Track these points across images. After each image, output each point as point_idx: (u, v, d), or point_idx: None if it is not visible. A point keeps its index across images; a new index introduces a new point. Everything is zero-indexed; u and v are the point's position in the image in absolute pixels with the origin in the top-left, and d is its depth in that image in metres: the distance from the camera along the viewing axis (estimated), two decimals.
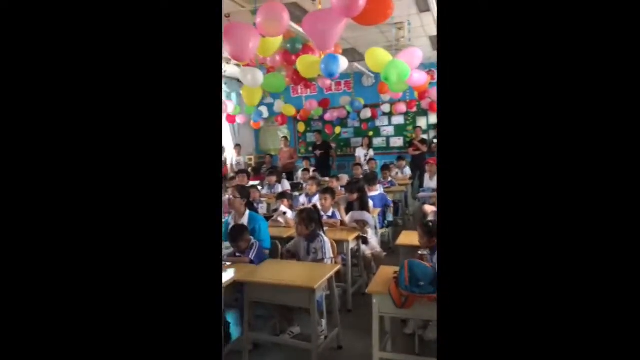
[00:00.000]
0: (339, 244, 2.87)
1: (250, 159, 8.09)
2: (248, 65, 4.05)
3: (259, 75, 3.74)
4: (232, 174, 5.44)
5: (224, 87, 7.57)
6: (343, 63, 3.70)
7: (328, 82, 6.43)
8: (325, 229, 2.79)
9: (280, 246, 2.86)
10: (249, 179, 4.76)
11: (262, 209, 4.05)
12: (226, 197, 3.16)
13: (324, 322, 2.45)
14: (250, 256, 2.59)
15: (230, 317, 2.62)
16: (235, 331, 2.59)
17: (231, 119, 6.80)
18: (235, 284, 2.25)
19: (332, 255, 2.62)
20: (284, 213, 3.45)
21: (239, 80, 5.74)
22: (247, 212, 3.05)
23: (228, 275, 2.23)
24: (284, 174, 5.61)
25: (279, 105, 6.86)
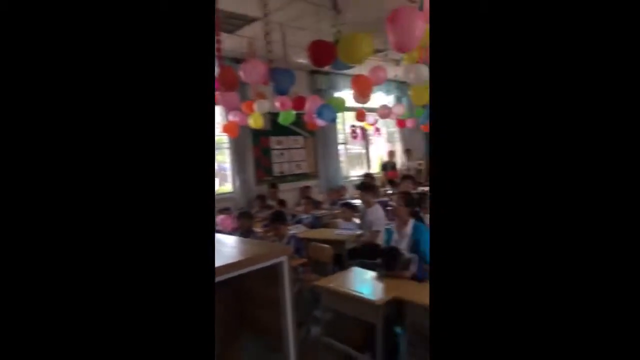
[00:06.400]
0: None
1: (420, 164, 7.74)
2: (418, 62, 3.78)
3: (424, 71, 3.37)
4: (398, 180, 5.24)
5: (394, 91, 7.46)
6: None
7: None
8: None
9: None
10: (416, 186, 4.47)
11: None
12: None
13: None
14: (414, 270, 2.33)
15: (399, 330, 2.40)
16: (402, 345, 2.36)
17: (401, 123, 6.60)
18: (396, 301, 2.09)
19: None
20: None
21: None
22: (412, 221, 2.79)
23: None
24: None
25: None
